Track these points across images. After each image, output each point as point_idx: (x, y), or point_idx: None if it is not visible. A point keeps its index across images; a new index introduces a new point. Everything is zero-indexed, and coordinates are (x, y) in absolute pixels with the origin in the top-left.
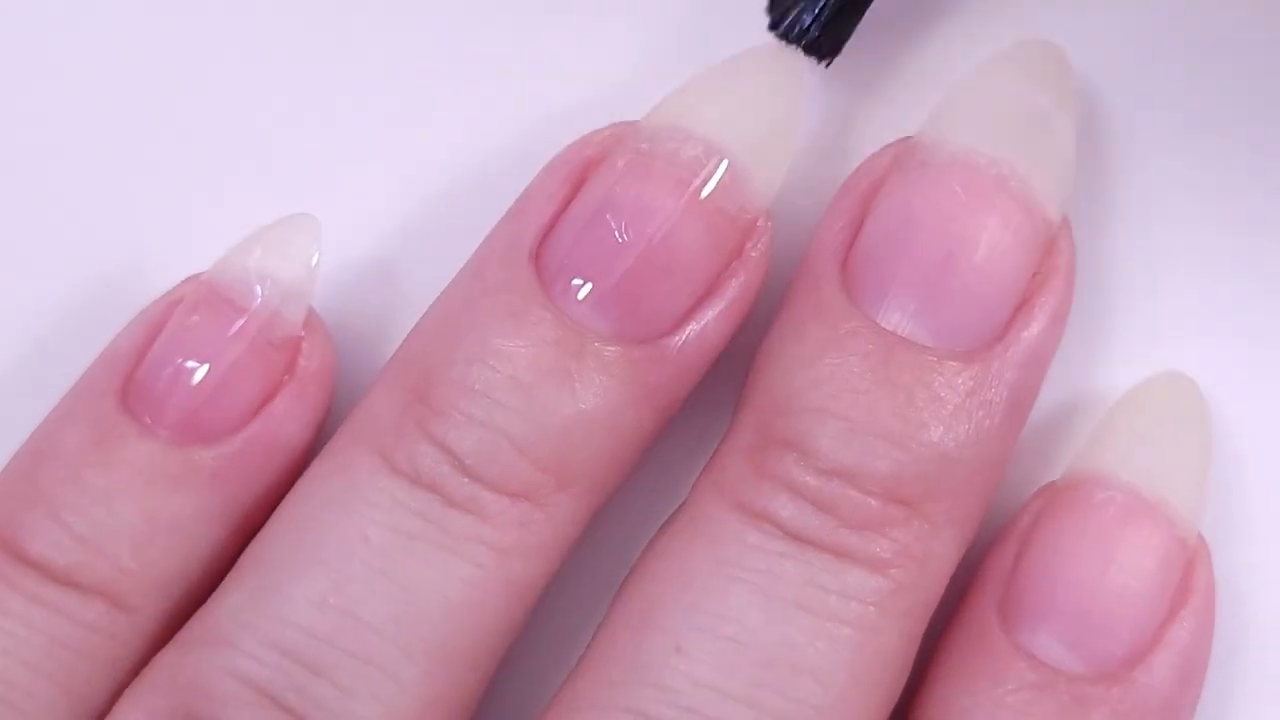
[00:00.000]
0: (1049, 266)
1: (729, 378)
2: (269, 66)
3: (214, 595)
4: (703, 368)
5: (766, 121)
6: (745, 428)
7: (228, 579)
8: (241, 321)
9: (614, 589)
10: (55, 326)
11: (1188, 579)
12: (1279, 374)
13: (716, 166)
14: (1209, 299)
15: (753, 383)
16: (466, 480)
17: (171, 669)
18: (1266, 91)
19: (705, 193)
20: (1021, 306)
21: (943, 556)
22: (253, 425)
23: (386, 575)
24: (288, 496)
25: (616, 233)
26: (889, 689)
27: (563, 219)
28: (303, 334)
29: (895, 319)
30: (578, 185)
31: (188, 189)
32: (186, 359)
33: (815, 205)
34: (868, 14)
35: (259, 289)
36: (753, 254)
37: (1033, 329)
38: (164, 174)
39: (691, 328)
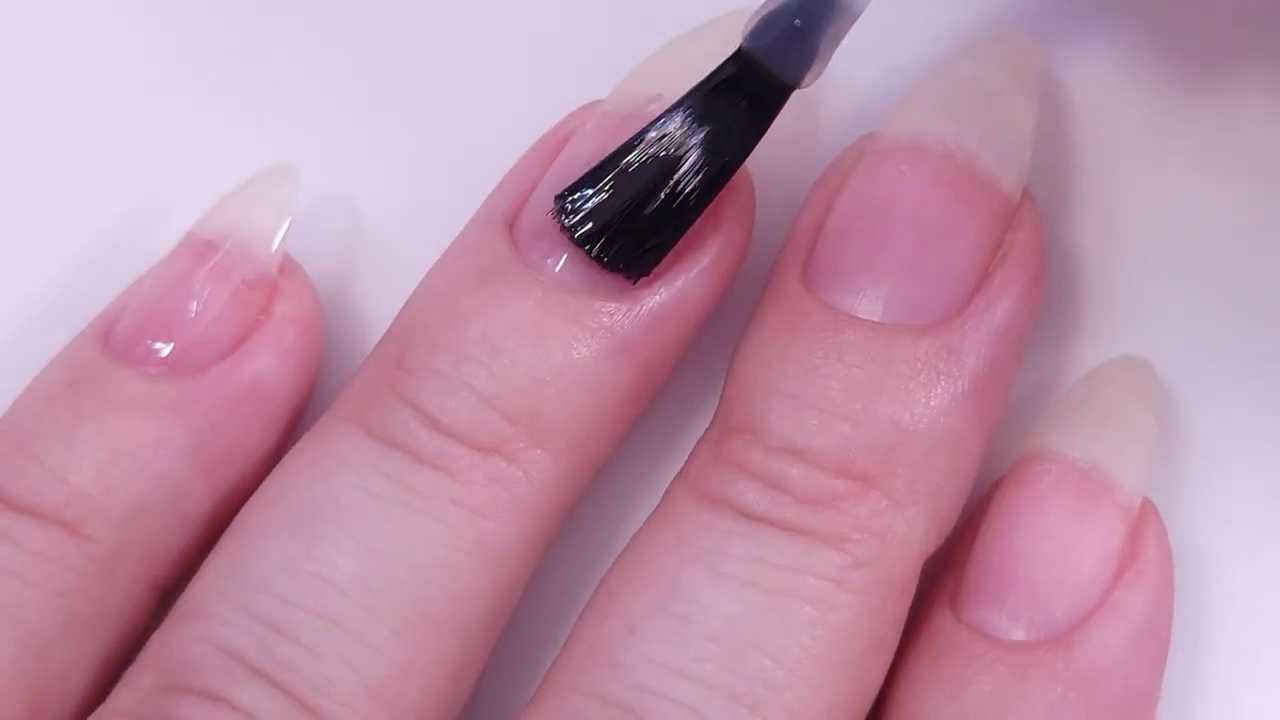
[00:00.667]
0: (1010, 241)
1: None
2: (277, 48)
3: (199, 570)
4: (684, 329)
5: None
6: (713, 423)
7: (211, 553)
8: (213, 257)
9: None
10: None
11: (1135, 545)
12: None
13: None
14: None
15: (724, 383)
16: (435, 435)
17: (157, 645)
18: (1246, 82)
19: None
20: (983, 281)
21: (907, 534)
22: (227, 362)
23: (354, 537)
24: (273, 470)
25: None
26: (859, 669)
27: (537, 188)
28: (277, 276)
29: (849, 300)
30: (553, 159)
31: (193, 171)
32: (159, 294)
33: None
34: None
35: (233, 227)
36: (729, 210)
37: (995, 304)
38: (173, 156)
39: (666, 284)
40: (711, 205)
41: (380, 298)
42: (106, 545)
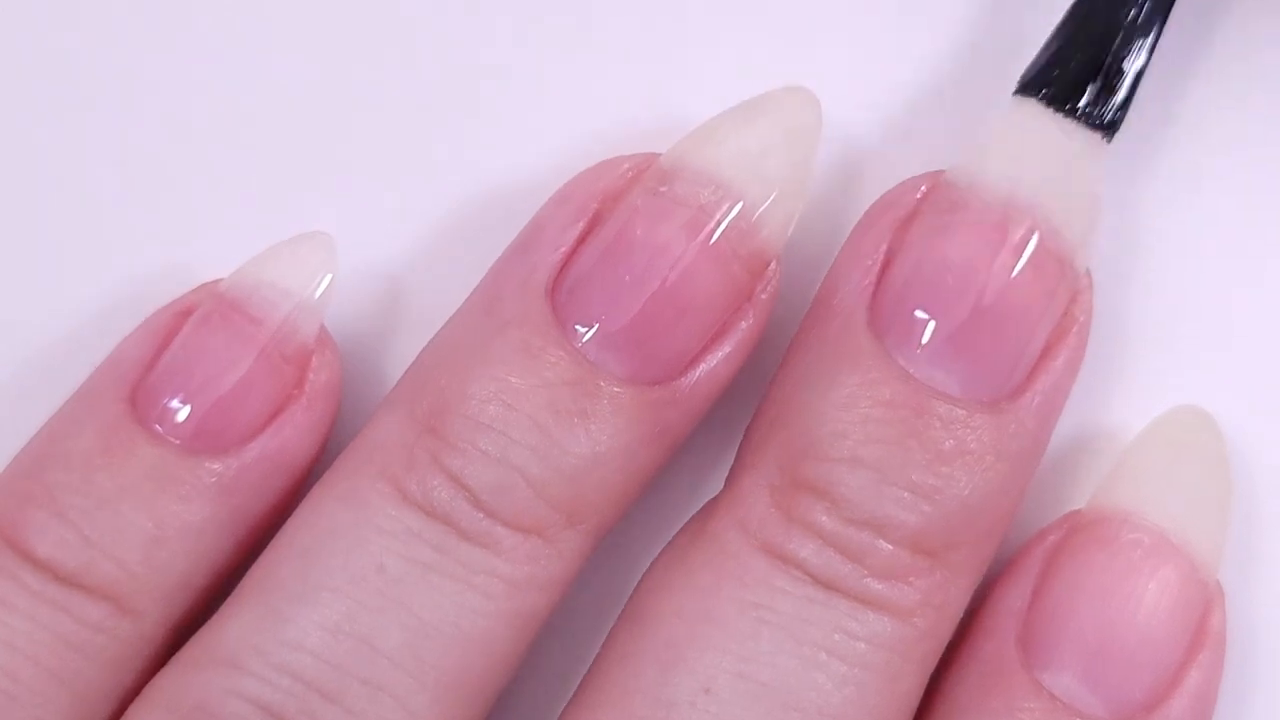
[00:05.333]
0: (1070, 317)
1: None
2: (288, 78)
3: (217, 617)
4: (710, 405)
5: (783, 165)
6: (770, 465)
7: (232, 601)
8: (256, 333)
9: (601, 602)
10: (59, 331)
11: (1204, 622)
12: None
13: (731, 209)
14: (1210, 327)
15: (777, 418)
16: (481, 515)
17: (176, 689)
18: None
19: (718, 236)
20: (1045, 357)
21: (958, 601)
22: (263, 438)
23: (400, 604)
24: (292, 518)
25: (631, 274)
26: None
27: (578, 257)
28: (313, 348)
29: (926, 367)
30: (593, 219)
31: (198, 201)
32: (199, 368)
33: (821, 226)
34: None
35: (275, 302)
36: (762, 296)
37: (1052, 379)
38: (176, 185)
39: (702, 368)
40: (745, 288)
41: (379, 319)
42: (152, 620)
